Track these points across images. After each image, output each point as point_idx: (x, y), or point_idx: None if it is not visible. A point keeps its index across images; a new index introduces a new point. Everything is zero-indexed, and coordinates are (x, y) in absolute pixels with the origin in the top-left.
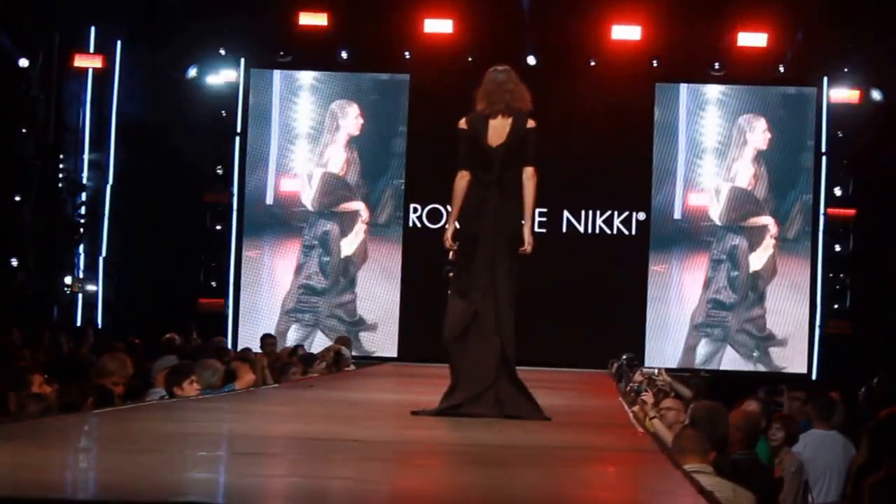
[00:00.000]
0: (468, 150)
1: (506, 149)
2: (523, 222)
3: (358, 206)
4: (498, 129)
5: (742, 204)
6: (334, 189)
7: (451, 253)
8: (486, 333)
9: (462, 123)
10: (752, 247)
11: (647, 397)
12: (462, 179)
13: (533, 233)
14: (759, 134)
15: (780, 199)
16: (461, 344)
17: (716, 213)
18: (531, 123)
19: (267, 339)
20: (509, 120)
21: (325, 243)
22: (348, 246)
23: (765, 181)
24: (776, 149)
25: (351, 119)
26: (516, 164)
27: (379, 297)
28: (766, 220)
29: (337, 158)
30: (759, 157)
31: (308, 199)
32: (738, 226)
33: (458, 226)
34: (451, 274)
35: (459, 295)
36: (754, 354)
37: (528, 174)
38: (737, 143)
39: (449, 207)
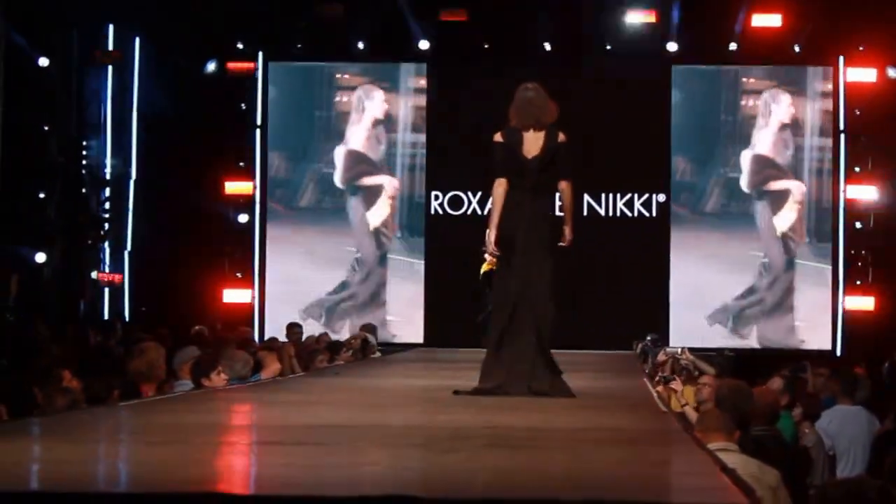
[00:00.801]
0: (504, 160)
1: (540, 160)
2: (564, 225)
3: (383, 179)
4: (532, 142)
5: (764, 168)
6: (357, 164)
7: (488, 255)
8: (524, 330)
9: (498, 137)
10: (776, 210)
11: (677, 385)
12: (500, 187)
13: (573, 231)
14: (784, 107)
15: (798, 175)
16: (501, 338)
17: (744, 182)
18: (562, 138)
19: (293, 328)
20: (542, 134)
21: (351, 223)
22: (376, 218)
23: (790, 152)
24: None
25: (377, 103)
26: (550, 174)
27: (402, 284)
28: (790, 183)
29: (359, 138)
30: (784, 129)
31: (337, 177)
32: (762, 190)
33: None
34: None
35: (502, 288)
36: (777, 332)
37: (563, 187)
38: (763, 114)
39: (470, 194)
